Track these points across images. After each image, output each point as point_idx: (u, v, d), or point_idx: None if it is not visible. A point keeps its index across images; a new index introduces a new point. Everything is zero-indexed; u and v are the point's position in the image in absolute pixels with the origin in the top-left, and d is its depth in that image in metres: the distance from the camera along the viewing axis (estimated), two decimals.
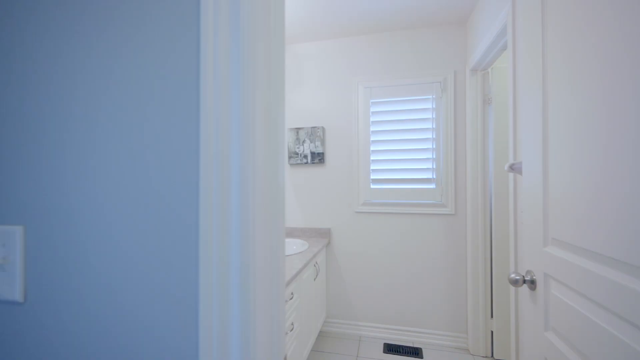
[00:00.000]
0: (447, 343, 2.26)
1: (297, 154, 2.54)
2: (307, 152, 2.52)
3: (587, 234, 0.69)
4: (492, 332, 2.12)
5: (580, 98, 0.71)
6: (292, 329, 1.59)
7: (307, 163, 2.52)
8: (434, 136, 2.27)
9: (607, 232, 0.63)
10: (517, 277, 0.93)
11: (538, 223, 0.90)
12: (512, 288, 1.34)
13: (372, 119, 2.39)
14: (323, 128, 2.49)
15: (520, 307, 1.05)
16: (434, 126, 2.28)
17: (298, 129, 2.53)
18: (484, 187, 2.14)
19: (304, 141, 2.52)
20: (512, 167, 1.24)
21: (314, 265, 2.11)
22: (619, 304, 0.60)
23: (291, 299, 1.59)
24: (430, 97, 2.29)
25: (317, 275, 2.15)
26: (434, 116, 2.28)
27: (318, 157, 2.50)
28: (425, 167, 2.28)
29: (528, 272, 0.95)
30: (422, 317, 2.31)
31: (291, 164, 2.57)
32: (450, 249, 2.26)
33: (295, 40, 2.52)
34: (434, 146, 2.28)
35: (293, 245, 2.33)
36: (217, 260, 0.42)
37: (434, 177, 2.28)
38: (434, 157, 2.28)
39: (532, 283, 0.92)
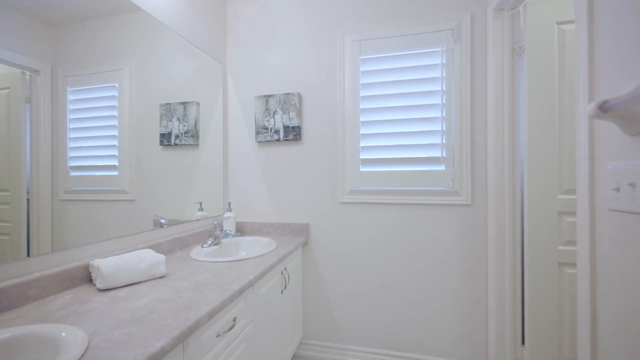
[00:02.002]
0: None
1: (267, 128, 1.97)
2: (280, 126, 1.95)
3: None
4: None
5: None
6: None
7: (279, 140, 1.96)
8: (443, 101, 1.71)
9: None
10: None
11: None
12: (581, 306, 0.79)
13: (362, 80, 1.83)
14: (299, 95, 1.93)
15: None
16: (443, 88, 1.71)
17: (268, 96, 1.97)
18: (513, 169, 1.58)
19: (275, 112, 1.96)
20: (603, 108, 0.68)
21: (282, 273, 1.55)
22: None
23: (231, 329, 1.03)
24: (439, 49, 1.72)
25: (285, 286, 1.59)
26: (444, 75, 1.71)
27: (293, 133, 1.93)
28: (432, 142, 1.72)
29: None
30: (426, 341, 1.76)
31: (259, 142, 2.01)
32: (466, 251, 1.70)
33: None
34: (444, 114, 1.71)
35: (256, 247, 1.76)
36: None
37: (444, 155, 1.72)
38: (444, 128, 1.71)
39: None
